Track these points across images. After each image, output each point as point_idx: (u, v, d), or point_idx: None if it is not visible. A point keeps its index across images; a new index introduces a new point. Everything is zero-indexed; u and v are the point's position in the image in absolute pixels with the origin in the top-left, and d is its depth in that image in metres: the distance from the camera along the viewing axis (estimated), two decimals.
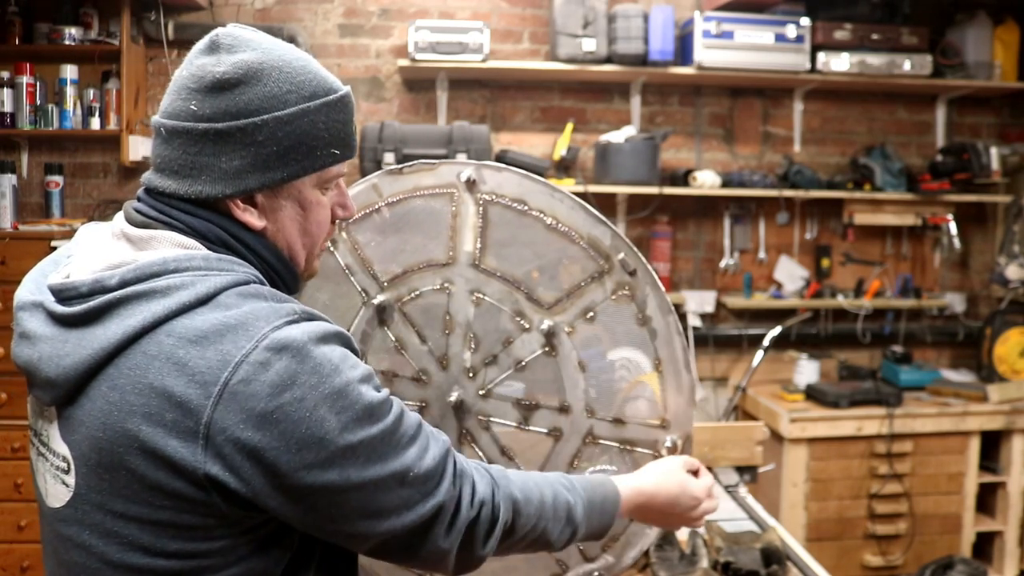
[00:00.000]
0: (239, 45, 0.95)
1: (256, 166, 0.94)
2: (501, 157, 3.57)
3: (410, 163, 1.40)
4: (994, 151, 3.76)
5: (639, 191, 3.62)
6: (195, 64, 0.95)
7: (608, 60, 3.55)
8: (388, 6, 3.71)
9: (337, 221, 1.08)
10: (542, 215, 1.34)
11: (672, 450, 1.34)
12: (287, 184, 0.98)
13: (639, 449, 1.35)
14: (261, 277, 0.97)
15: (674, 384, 1.32)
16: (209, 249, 0.95)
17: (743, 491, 2.20)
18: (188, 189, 0.94)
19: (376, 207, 1.41)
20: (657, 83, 3.79)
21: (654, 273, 1.32)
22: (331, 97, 0.98)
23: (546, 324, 1.34)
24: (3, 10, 3.31)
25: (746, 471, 2.28)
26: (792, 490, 3.43)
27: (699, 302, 3.89)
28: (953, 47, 3.84)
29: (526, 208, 1.34)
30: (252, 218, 0.98)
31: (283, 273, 1.02)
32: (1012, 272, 3.79)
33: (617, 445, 1.36)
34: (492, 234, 1.36)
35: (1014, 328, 3.86)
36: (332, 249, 1.43)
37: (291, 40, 3.58)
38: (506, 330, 1.37)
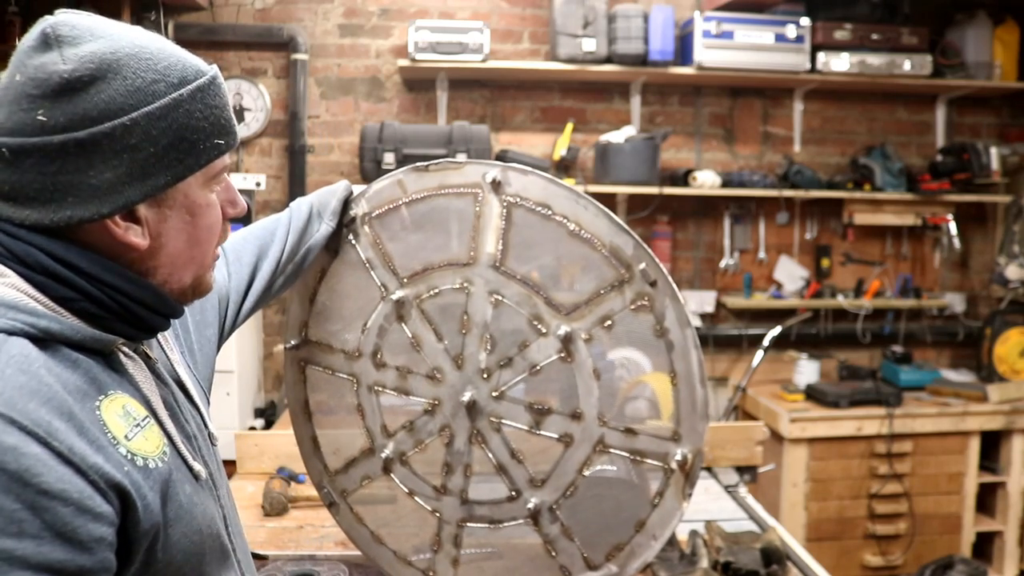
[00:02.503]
0: (82, 35, 0.80)
1: (134, 174, 0.80)
2: (501, 157, 3.57)
3: (436, 161, 1.39)
4: (994, 151, 3.77)
5: (639, 191, 3.63)
6: (31, 65, 0.79)
7: (608, 60, 3.55)
8: (388, 6, 3.71)
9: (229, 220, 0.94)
10: (566, 220, 1.32)
11: (682, 464, 1.33)
12: (172, 189, 0.84)
13: (649, 461, 1.35)
14: (37, 330, 0.77)
15: (688, 398, 1.32)
16: (29, 280, 0.79)
17: (743, 491, 2.20)
18: (54, 216, 0.79)
19: (400, 203, 1.41)
20: (657, 83, 3.80)
21: (675, 285, 1.31)
22: (202, 80, 0.85)
23: (563, 330, 1.33)
24: (3, 10, 3.31)
25: (746, 471, 2.28)
26: (792, 490, 3.43)
27: (699, 302, 3.90)
28: (953, 47, 3.84)
29: (550, 213, 1.33)
30: (136, 238, 0.83)
31: (140, 297, 0.85)
32: (1012, 272, 3.79)
33: (628, 455, 1.35)
34: (514, 236, 1.35)
35: (1014, 328, 3.86)
36: (354, 242, 1.43)
37: (291, 40, 3.61)
38: (523, 333, 1.36)
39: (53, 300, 0.80)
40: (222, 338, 1.22)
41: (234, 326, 1.27)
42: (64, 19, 0.81)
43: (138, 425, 0.82)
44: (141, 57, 0.81)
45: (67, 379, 0.77)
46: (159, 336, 0.99)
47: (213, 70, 0.88)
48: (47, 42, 0.79)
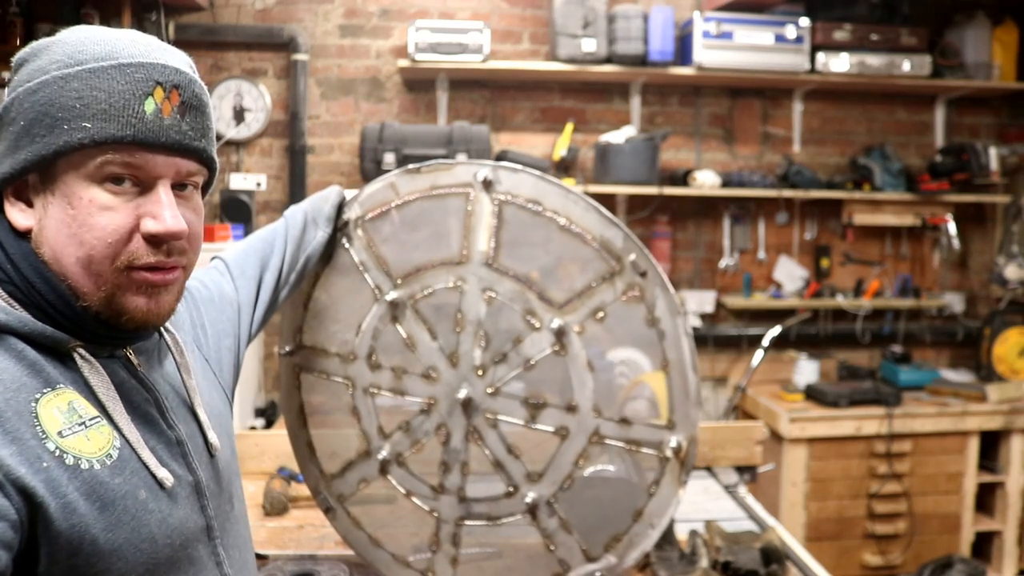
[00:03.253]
0: (58, 34, 0.84)
1: (8, 149, 0.81)
2: (501, 157, 3.57)
3: (428, 162, 1.40)
4: (993, 151, 3.77)
5: (639, 191, 3.63)
6: None
7: (608, 60, 3.56)
8: (388, 6, 3.72)
9: (168, 242, 0.84)
10: (556, 216, 1.34)
11: (677, 451, 1.33)
12: (45, 170, 0.81)
13: (644, 450, 1.36)
14: None
15: (680, 385, 1.33)
16: None
17: (743, 491, 2.20)
18: None
19: (392, 205, 1.42)
20: (657, 83, 3.80)
21: (664, 275, 1.32)
22: (104, 63, 0.80)
23: (556, 323, 1.35)
24: (4, 11, 3.32)
25: (746, 471, 2.28)
26: (791, 490, 3.43)
27: (699, 302, 3.90)
28: (952, 47, 3.84)
29: (541, 209, 1.34)
30: (17, 215, 0.83)
31: (47, 295, 0.82)
32: (1011, 272, 3.80)
33: (623, 445, 1.36)
34: (506, 234, 1.36)
35: (1013, 328, 3.86)
36: (347, 246, 1.44)
37: (291, 40, 3.61)
38: (516, 329, 1.37)
39: None
40: (240, 350, 1.20)
41: (249, 339, 1.26)
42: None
43: (82, 424, 0.79)
44: (69, 44, 0.82)
45: (2, 368, 0.76)
46: (169, 338, 0.97)
47: (130, 58, 0.81)
48: None
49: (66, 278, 0.82)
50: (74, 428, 0.79)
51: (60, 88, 0.79)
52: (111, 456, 0.81)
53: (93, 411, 0.82)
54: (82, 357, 0.83)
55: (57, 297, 0.82)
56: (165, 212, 0.83)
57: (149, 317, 0.86)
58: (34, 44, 0.84)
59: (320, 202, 1.43)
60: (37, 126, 0.79)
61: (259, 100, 3.68)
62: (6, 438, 0.73)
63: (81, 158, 0.80)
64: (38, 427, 0.76)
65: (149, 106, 0.81)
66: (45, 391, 0.78)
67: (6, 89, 0.83)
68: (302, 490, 2.03)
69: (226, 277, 1.25)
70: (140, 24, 3.45)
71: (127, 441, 0.84)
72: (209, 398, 1.01)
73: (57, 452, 0.76)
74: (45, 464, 0.75)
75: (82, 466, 0.78)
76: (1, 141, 0.82)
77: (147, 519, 0.82)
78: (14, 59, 0.84)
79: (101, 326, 0.85)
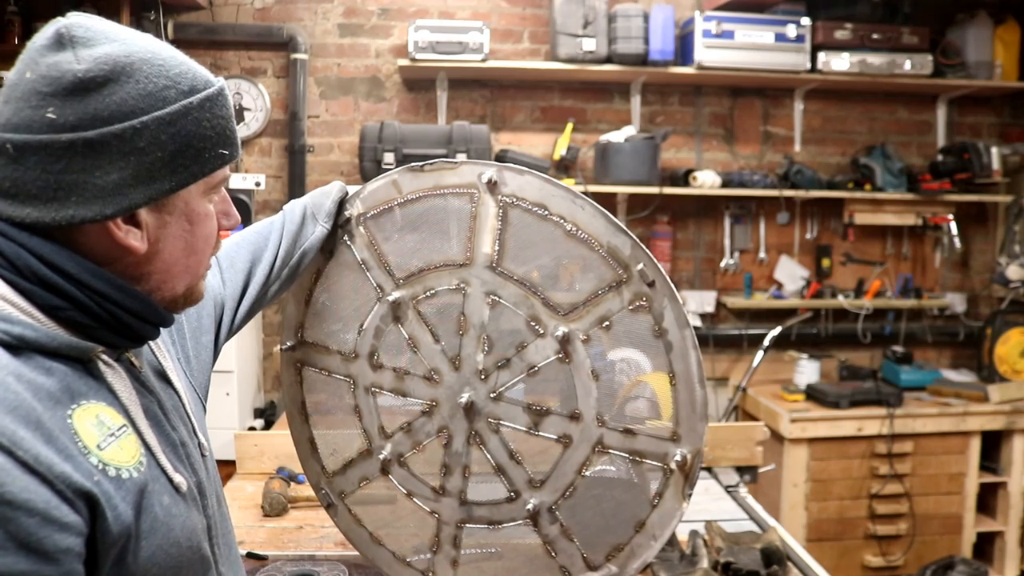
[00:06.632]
0: (96, 37, 0.80)
1: (139, 177, 0.80)
2: (501, 157, 3.57)
3: (431, 161, 1.38)
4: (995, 151, 3.77)
5: (639, 191, 3.62)
6: (44, 63, 0.79)
7: (608, 60, 3.55)
8: (388, 6, 3.71)
9: (220, 233, 0.94)
10: (563, 221, 1.31)
11: (682, 464, 1.32)
12: (174, 195, 0.85)
13: (648, 461, 1.34)
14: (10, 337, 0.76)
15: (687, 398, 1.31)
16: (13, 285, 0.79)
17: (743, 491, 2.19)
18: (55, 215, 0.78)
19: (395, 203, 1.40)
20: (657, 83, 3.79)
21: (673, 286, 1.30)
22: (211, 91, 0.86)
23: (561, 331, 1.33)
24: (2, 9, 3.31)
25: (746, 471, 2.28)
26: (792, 490, 3.42)
27: (699, 302, 3.89)
28: (954, 47, 3.84)
29: (547, 213, 1.32)
30: (135, 241, 0.83)
31: (129, 305, 0.84)
32: (1013, 272, 3.79)
33: (627, 456, 1.35)
34: (511, 237, 1.34)
35: (1015, 328, 3.86)
36: (349, 243, 1.42)
37: (290, 40, 3.61)
38: (521, 334, 1.35)
39: (40, 309, 0.79)
40: (218, 345, 1.20)
41: (230, 332, 1.25)
42: (78, 21, 0.81)
43: (112, 435, 0.80)
44: (153, 63, 0.82)
45: (38, 387, 0.76)
46: (152, 343, 0.97)
47: (220, 82, 0.89)
48: (61, 42, 0.79)
49: (159, 289, 0.88)
50: (107, 440, 0.79)
51: (196, 119, 0.84)
52: (141, 464, 0.82)
53: (119, 420, 0.82)
54: (104, 363, 0.84)
55: (137, 302, 0.85)
56: (234, 209, 0.95)
57: (203, 296, 0.96)
58: (103, 60, 0.79)
59: (321, 197, 1.42)
60: (181, 157, 0.83)
61: (258, 99, 3.67)
62: (60, 455, 0.74)
63: (210, 179, 0.88)
64: (79, 443, 0.76)
65: (235, 124, 0.91)
66: (74, 406, 0.78)
67: (51, 110, 0.77)
68: (301, 491, 2.02)
69: (214, 270, 1.24)
70: (139, 23, 3.44)
71: (147, 446, 0.85)
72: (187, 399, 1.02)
73: (100, 465, 0.77)
74: (96, 478, 0.76)
75: (123, 476, 0.79)
76: (117, 168, 0.79)
77: (173, 524, 0.85)
78: (82, 73, 0.78)
79: (151, 318, 0.88)
